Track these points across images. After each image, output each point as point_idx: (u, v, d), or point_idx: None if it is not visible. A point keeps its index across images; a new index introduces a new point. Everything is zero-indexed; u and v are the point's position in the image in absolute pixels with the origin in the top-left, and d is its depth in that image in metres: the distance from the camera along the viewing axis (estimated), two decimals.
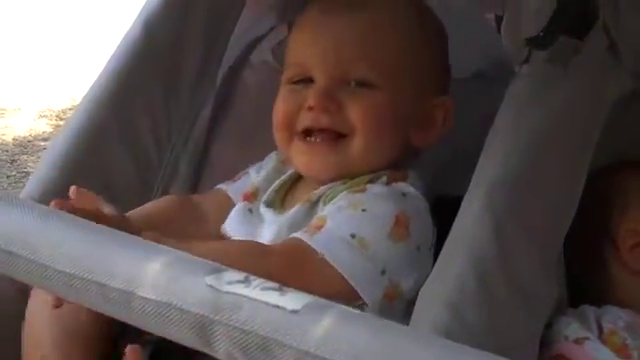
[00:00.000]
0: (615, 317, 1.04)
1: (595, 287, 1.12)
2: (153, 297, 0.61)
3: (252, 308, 0.58)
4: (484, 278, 0.93)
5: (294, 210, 1.08)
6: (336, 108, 1.07)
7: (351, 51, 1.09)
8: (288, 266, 0.96)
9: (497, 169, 1.00)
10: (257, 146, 1.33)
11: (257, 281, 0.61)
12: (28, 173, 2.92)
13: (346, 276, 0.97)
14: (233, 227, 1.12)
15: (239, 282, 0.61)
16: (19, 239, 0.66)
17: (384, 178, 1.07)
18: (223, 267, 0.63)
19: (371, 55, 1.09)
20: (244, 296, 0.59)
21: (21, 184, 2.77)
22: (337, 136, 1.08)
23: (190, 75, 1.32)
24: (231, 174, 1.30)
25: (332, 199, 1.06)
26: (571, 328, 1.02)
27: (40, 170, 1.21)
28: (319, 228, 1.00)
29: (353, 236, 0.99)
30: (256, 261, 0.95)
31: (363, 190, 1.05)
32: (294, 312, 0.57)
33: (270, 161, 1.21)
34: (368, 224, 1.00)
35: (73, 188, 0.97)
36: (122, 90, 1.23)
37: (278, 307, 0.58)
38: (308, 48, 1.12)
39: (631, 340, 1.00)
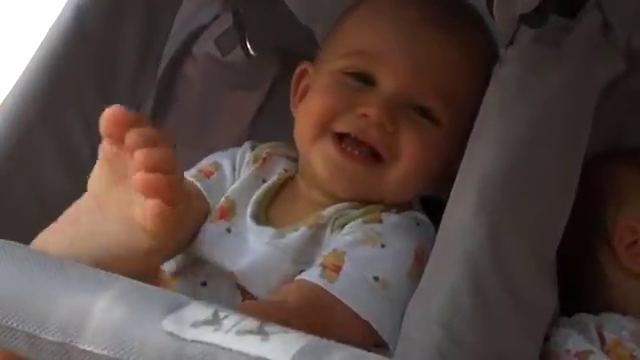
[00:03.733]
0: (618, 326, 0.94)
1: (589, 292, 1.02)
2: (97, 350, 0.48)
3: (226, 359, 0.45)
4: (479, 290, 0.82)
5: (298, 235, 0.92)
6: (392, 129, 0.93)
7: (431, 74, 0.95)
8: (310, 317, 0.81)
9: (486, 166, 0.88)
10: (204, 142, 1.24)
11: (229, 320, 0.48)
12: None
13: (375, 326, 0.84)
14: (210, 252, 0.94)
15: (206, 323, 0.48)
16: None
17: (394, 211, 0.95)
18: (183, 300, 0.50)
19: (446, 88, 0.95)
20: (216, 345, 0.46)
21: None
22: (375, 156, 0.93)
23: (127, 70, 1.18)
24: (179, 173, 1.18)
25: (343, 226, 0.92)
26: (572, 341, 0.91)
27: None
28: (337, 270, 0.85)
29: (376, 279, 0.86)
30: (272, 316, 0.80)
31: (379, 220, 0.92)
32: None
33: (244, 160, 1.05)
34: (390, 263, 0.88)
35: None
36: (51, 87, 1.09)
37: (260, 359, 0.45)
38: (384, 43, 0.96)
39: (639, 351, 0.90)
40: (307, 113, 0.98)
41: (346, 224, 0.91)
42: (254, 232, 0.94)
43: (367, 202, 0.94)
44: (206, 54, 1.26)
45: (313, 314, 0.82)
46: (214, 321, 0.48)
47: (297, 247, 0.91)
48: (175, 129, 1.25)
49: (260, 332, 0.47)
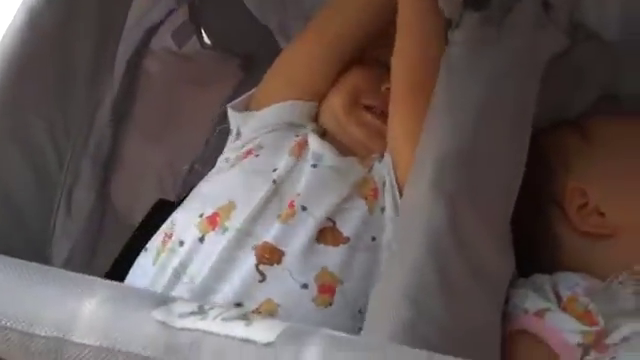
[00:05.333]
0: (572, 283, 0.99)
1: (544, 254, 1.07)
2: (90, 342, 0.51)
3: (215, 345, 0.49)
4: (443, 268, 0.86)
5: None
6: None
7: None
8: None
9: (441, 145, 0.92)
10: (169, 137, 1.28)
11: (215, 310, 0.51)
12: None
13: None
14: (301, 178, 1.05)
15: (193, 314, 0.51)
16: None
17: None
18: (169, 297, 0.53)
19: None
20: (204, 331, 0.50)
21: None
22: None
23: (83, 69, 1.20)
24: (146, 169, 1.21)
25: None
26: (530, 300, 0.96)
27: None
28: None
29: None
30: None
31: None
32: (269, 345, 0.48)
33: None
34: None
35: None
36: (10, 90, 1.10)
37: (248, 341, 0.48)
38: None
39: (594, 305, 0.94)
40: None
41: None
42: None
43: None
44: (164, 49, 1.28)
45: None
46: (200, 312, 0.51)
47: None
48: (139, 124, 1.27)
49: (244, 318, 0.50)
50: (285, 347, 0.48)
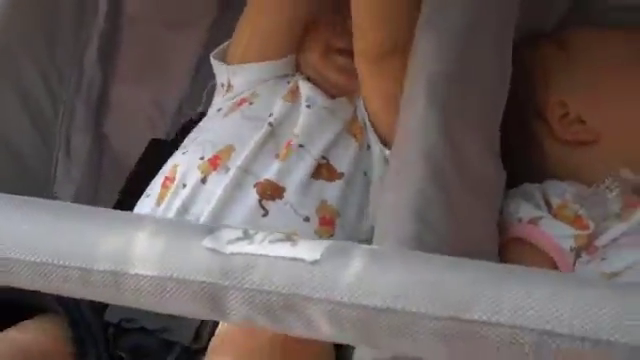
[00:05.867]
0: (561, 190, 1.04)
1: (532, 164, 1.12)
2: (148, 273, 0.56)
3: (266, 266, 0.53)
4: (441, 180, 0.91)
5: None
6: None
7: None
8: None
9: (431, 66, 0.96)
10: (154, 76, 1.32)
11: (259, 235, 0.56)
12: None
13: None
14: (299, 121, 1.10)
15: (240, 239, 0.56)
16: None
17: None
18: (214, 227, 0.57)
19: None
20: (253, 254, 0.54)
21: None
22: None
23: (67, 9, 1.23)
24: (135, 111, 1.24)
25: None
26: (522, 209, 1.01)
27: None
28: None
29: None
30: None
31: None
32: (315, 262, 0.52)
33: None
34: None
35: None
36: (5, 44, 1.13)
37: (296, 259, 0.53)
38: None
39: (584, 210, 1.00)
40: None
41: None
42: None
43: None
44: None
45: None
46: (246, 237, 0.55)
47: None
48: (124, 68, 1.30)
49: (289, 240, 0.55)
50: (330, 263, 0.52)
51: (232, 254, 0.54)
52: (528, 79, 1.13)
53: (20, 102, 1.16)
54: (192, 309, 0.56)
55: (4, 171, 1.11)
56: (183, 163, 1.07)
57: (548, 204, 1.03)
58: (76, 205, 0.62)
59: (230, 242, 0.55)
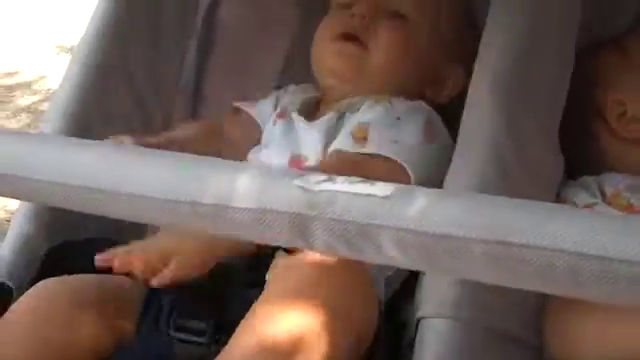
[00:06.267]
0: (615, 181, 1.13)
1: (590, 159, 1.21)
2: (248, 206, 0.67)
3: (346, 200, 0.64)
4: (501, 165, 1.01)
5: (326, 118, 1.18)
6: (370, 22, 1.21)
7: None
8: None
9: (496, 65, 1.07)
10: (243, 75, 1.45)
11: (341, 178, 0.67)
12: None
13: (409, 169, 1.08)
14: (278, 139, 1.21)
15: (325, 181, 0.67)
16: (107, 175, 0.71)
17: (402, 98, 1.19)
18: (303, 172, 0.69)
19: None
20: (336, 191, 0.65)
21: None
22: (363, 46, 1.20)
23: (171, 26, 1.38)
24: (224, 104, 1.37)
25: (358, 109, 1.17)
26: (579, 196, 1.11)
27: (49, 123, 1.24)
28: (364, 139, 1.10)
29: (396, 142, 1.10)
30: None
31: (389, 102, 1.17)
32: (386, 197, 0.63)
33: (288, 91, 1.32)
34: (406, 131, 1.12)
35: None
36: (116, 43, 1.28)
37: (370, 195, 0.64)
38: None
39: (635, 199, 1.09)
40: (318, 33, 1.27)
41: (361, 107, 1.17)
42: (298, 120, 1.22)
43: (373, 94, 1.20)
44: None
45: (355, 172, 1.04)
46: (330, 180, 0.66)
47: (327, 127, 1.17)
48: (219, 72, 1.44)
49: (366, 181, 0.66)
50: (399, 198, 0.63)
51: (318, 191, 0.65)
52: (589, 81, 1.22)
53: (125, 88, 1.30)
54: (284, 238, 0.67)
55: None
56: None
57: (603, 193, 1.12)
58: (190, 155, 0.73)
59: (317, 182, 0.66)
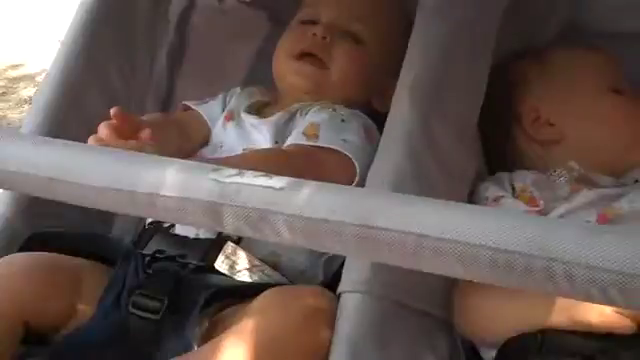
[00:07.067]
0: (524, 177, 1.28)
1: (507, 158, 1.36)
2: (173, 194, 0.82)
3: (249, 191, 0.79)
4: (416, 160, 1.16)
5: (277, 116, 1.36)
6: (330, 42, 1.38)
7: (354, 10, 1.41)
8: (303, 161, 1.22)
9: (417, 72, 1.22)
10: (212, 81, 1.60)
11: (249, 172, 0.82)
12: None
13: (356, 163, 1.25)
14: (231, 139, 1.38)
15: (235, 175, 0.82)
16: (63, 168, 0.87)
17: (342, 106, 1.36)
18: (220, 166, 0.84)
19: (367, 20, 1.40)
20: (242, 183, 0.80)
21: None
22: (323, 65, 1.38)
23: (143, 21, 1.52)
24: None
25: (307, 112, 1.34)
26: (489, 190, 1.25)
27: (28, 120, 1.39)
28: (316, 135, 1.27)
29: (345, 140, 1.27)
30: (280, 166, 1.18)
31: (333, 109, 1.34)
32: (281, 189, 0.79)
33: (235, 93, 1.47)
34: (350, 131, 1.30)
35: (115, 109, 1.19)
36: (90, 44, 1.42)
37: (268, 187, 0.79)
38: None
39: (537, 192, 1.23)
40: (279, 49, 1.44)
41: (310, 110, 1.33)
42: (247, 118, 1.38)
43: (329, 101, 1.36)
44: (208, 5, 1.58)
45: (306, 161, 1.22)
46: (239, 174, 0.82)
47: (277, 124, 1.34)
48: (189, 76, 1.59)
49: (266, 175, 0.81)
50: (290, 190, 0.78)
51: (229, 183, 0.81)
52: (510, 88, 1.37)
53: (102, 92, 1.44)
54: (201, 222, 0.83)
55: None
56: None
57: (513, 188, 1.27)
58: (133, 153, 0.89)
59: (229, 176, 0.82)
